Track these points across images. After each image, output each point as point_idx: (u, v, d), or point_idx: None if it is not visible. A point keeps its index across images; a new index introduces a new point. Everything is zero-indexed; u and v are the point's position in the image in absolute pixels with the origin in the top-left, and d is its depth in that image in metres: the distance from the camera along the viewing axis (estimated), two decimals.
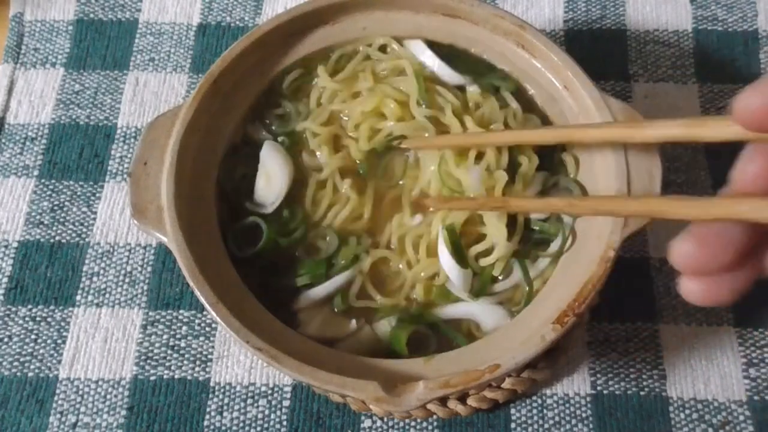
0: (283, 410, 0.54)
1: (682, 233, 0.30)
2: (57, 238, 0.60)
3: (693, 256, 0.29)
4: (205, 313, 0.57)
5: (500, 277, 0.49)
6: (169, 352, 0.56)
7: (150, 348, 0.56)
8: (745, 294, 0.31)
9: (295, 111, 0.54)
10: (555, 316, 0.43)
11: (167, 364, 0.55)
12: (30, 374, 0.55)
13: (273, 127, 0.53)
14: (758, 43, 0.67)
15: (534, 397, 0.54)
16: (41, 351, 0.56)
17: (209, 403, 0.54)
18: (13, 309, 0.57)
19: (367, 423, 0.53)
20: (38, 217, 0.60)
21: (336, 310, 0.48)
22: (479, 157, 0.49)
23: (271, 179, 0.51)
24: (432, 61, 0.54)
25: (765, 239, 0.30)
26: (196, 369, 0.55)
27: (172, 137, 0.48)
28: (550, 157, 0.51)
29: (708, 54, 0.67)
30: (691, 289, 0.30)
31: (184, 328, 0.56)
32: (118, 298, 0.57)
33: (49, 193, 0.61)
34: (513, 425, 0.53)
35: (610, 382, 0.54)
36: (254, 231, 0.50)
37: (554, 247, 0.48)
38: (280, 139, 0.53)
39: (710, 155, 0.62)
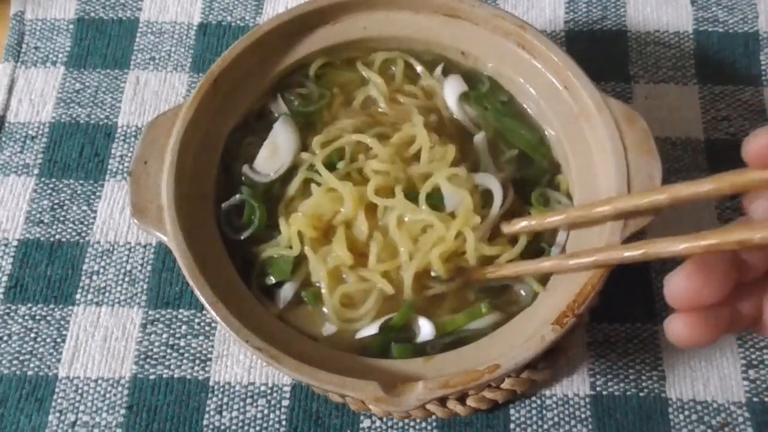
0: (283, 410, 0.54)
1: (676, 269, 0.33)
2: (57, 236, 0.60)
3: (687, 286, 0.33)
4: (204, 312, 0.57)
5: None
6: (169, 351, 0.56)
7: (149, 347, 0.56)
8: (719, 338, 0.34)
9: (318, 94, 0.54)
10: (554, 316, 0.43)
11: (167, 363, 0.55)
12: (29, 373, 0.55)
13: (294, 104, 0.54)
14: (759, 45, 0.67)
15: (533, 398, 0.54)
16: (41, 349, 0.56)
17: (208, 402, 0.54)
18: (13, 307, 0.57)
19: (366, 423, 0.53)
20: (38, 215, 0.60)
21: (309, 307, 0.48)
22: None
23: (277, 151, 0.52)
24: (453, 107, 0.54)
25: (744, 288, 0.34)
26: (196, 368, 0.55)
27: (172, 136, 0.48)
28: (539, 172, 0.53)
29: (709, 55, 0.67)
30: (678, 327, 0.34)
31: (184, 327, 0.56)
32: (118, 297, 0.57)
33: (49, 191, 0.61)
34: (512, 426, 0.53)
35: (610, 383, 0.54)
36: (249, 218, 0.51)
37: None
38: (296, 118, 0.54)
39: (710, 157, 0.62)
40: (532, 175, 0.52)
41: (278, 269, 0.49)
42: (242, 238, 0.50)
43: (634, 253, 0.40)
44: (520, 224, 0.48)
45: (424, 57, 0.56)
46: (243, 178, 0.52)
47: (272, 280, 0.49)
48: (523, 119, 0.54)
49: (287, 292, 0.48)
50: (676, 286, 0.33)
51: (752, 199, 0.34)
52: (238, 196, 0.51)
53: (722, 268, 0.33)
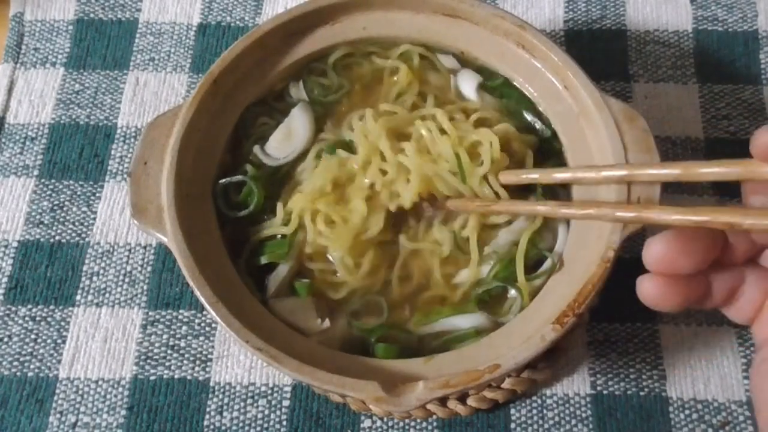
0: (283, 410, 0.54)
1: (658, 234, 0.34)
2: (57, 237, 0.60)
3: (665, 252, 0.34)
4: (204, 312, 0.57)
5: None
6: (169, 351, 0.56)
7: (150, 348, 0.56)
8: (683, 309, 0.35)
9: (338, 85, 0.55)
10: (555, 316, 0.43)
11: (167, 363, 0.55)
12: (30, 374, 0.55)
13: (314, 93, 0.54)
14: (758, 44, 0.67)
15: (534, 398, 0.54)
16: (41, 351, 0.56)
17: (209, 402, 0.54)
18: (13, 309, 0.57)
19: (366, 423, 0.53)
20: (38, 216, 0.60)
21: (299, 296, 0.49)
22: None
23: (291, 136, 0.52)
24: (473, 97, 0.54)
25: (721, 268, 0.35)
26: (196, 369, 0.55)
27: (172, 137, 0.48)
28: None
29: (708, 54, 0.67)
30: (648, 287, 0.35)
31: (184, 327, 0.56)
32: (118, 298, 0.57)
33: (49, 192, 0.61)
34: (513, 425, 0.53)
35: (610, 383, 0.54)
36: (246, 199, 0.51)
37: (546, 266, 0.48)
38: (315, 106, 0.54)
39: (711, 156, 0.62)
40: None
41: (273, 251, 0.49)
42: (238, 216, 0.50)
43: (626, 214, 0.40)
44: (527, 175, 0.48)
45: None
46: (251, 157, 0.52)
47: (264, 260, 0.49)
48: (536, 112, 0.54)
49: (279, 275, 0.49)
50: (654, 250, 0.34)
51: (752, 191, 0.35)
52: (240, 176, 0.51)
53: (703, 243, 0.34)
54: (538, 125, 0.53)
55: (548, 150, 0.53)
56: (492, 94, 0.54)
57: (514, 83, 0.54)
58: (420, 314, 0.48)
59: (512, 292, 0.48)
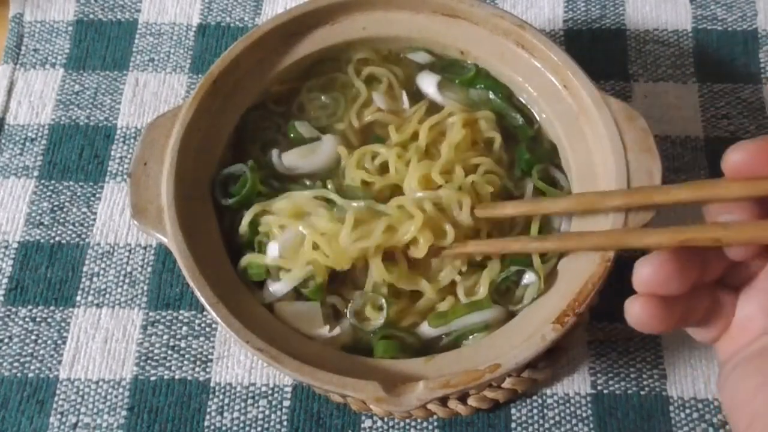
0: (284, 410, 0.54)
1: (649, 255, 0.35)
2: (57, 238, 0.60)
3: (658, 274, 0.34)
4: (205, 313, 0.57)
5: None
6: (170, 352, 0.56)
7: (150, 348, 0.56)
8: (671, 330, 0.36)
9: (333, 101, 0.55)
10: (555, 315, 0.43)
11: (167, 364, 0.55)
12: (30, 375, 0.55)
13: (321, 120, 0.54)
14: (758, 43, 0.67)
15: (534, 397, 0.54)
16: (41, 351, 0.56)
17: (209, 403, 0.54)
18: (13, 310, 0.57)
19: (367, 423, 0.53)
20: (38, 217, 0.60)
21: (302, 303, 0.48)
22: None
23: (314, 155, 0.52)
24: (435, 96, 0.54)
25: (698, 288, 0.36)
26: (197, 369, 0.55)
27: (171, 137, 0.48)
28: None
29: (708, 53, 0.67)
30: (637, 310, 0.35)
31: (185, 328, 0.56)
32: (118, 299, 0.57)
33: (49, 193, 0.61)
34: (513, 425, 0.53)
35: (611, 382, 0.54)
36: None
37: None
38: (327, 132, 0.53)
39: (710, 155, 0.62)
40: (536, 156, 0.52)
41: (255, 271, 0.48)
42: (229, 203, 0.50)
43: (605, 242, 0.41)
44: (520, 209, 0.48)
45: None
46: (266, 156, 0.52)
47: (251, 276, 0.49)
48: (510, 98, 0.55)
49: (278, 288, 0.48)
50: (645, 272, 0.34)
51: (717, 211, 0.35)
52: (240, 164, 0.51)
53: (692, 264, 0.34)
54: (513, 112, 0.53)
55: (517, 135, 0.53)
56: (456, 90, 0.54)
57: (489, 71, 0.55)
58: (434, 317, 0.48)
59: (526, 278, 0.48)
